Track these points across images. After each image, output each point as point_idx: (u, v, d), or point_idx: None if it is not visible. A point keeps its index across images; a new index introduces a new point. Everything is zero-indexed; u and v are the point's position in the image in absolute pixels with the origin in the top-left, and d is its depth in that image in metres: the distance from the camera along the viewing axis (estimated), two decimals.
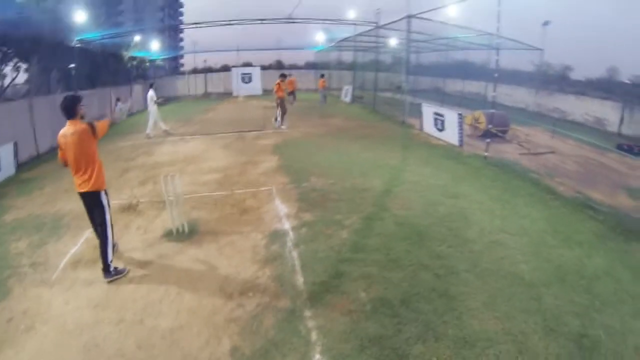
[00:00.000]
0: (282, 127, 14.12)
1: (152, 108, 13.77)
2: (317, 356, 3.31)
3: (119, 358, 3.48)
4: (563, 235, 5.78)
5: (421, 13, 13.45)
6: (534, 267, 4.77)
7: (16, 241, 5.89)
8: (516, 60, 21.20)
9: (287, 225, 5.97)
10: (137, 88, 23.91)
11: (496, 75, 10.71)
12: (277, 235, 5.67)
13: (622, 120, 22.60)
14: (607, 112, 23.11)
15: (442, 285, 4.24)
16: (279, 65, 36.35)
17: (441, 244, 5.21)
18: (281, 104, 14.36)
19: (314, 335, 3.55)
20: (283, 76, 14.88)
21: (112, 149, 12.01)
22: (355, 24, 21.34)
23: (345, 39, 24.11)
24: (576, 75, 26.60)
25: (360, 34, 21.37)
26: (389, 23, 16.78)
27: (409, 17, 13.68)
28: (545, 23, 21.57)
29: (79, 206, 5.31)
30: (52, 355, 3.55)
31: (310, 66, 35.99)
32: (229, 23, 19.93)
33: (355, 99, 23.74)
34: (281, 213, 6.46)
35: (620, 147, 16.92)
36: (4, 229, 6.41)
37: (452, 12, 14.35)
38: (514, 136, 12.66)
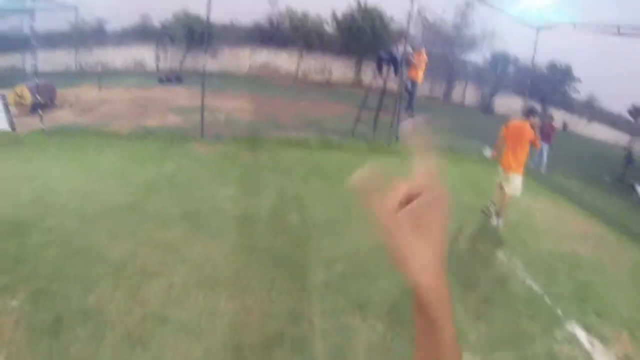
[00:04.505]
0: None
1: None
2: None
3: None
4: (140, 158, 7.85)
5: None
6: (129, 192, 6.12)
7: None
8: (50, 22, 20.10)
9: None
10: None
11: (34, 43, 10.41)
12: None
13: (158, 58, 26.57)
14: (144, 55, 26.70)
15: (67, 249, 4.77)
16: None
17: (47, 219, 5.46)
18: None
19: None
20: None
21: None
22: None
23: None
24: (113, 26, 27.76)
25: None
26: None
27: None
28: None
29: None
30: None
31: None
32: None
33: None
34: None
35: (160, 81, 20.39)
36: None
37: None
38: (64, 100, 13.02)
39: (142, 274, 4.34)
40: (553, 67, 29.44)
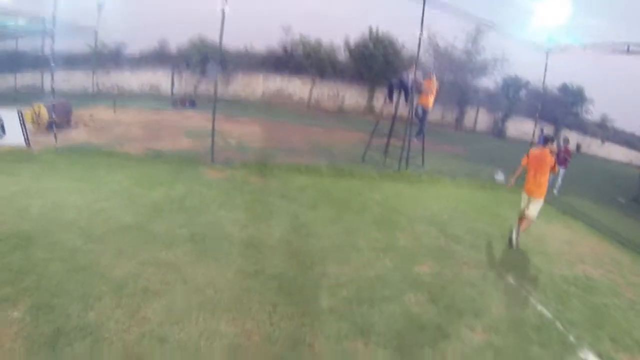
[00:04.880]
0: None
1: None
2: None
3: None
4: (150, 180, 8.09)
5: None
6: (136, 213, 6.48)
7: None
8: (71, 44, 20.97)
9: None
10: None
11: (53, 64, 10.88)
12: None
13: (173, 83, 27.40)
14: (160, 79, 27.61)
15: (70, 265, 4.87)
16: None
17: (53, 235, 5.62)
18: None
19: None
20: None
21: None
22: None
23: None
24: (131, 50, 28.86)
25: None
26: None
27: None
28: (100, 5, 21.94)
29: None
30: None
31: None
32: None
33: None
34: None
35: (174, 105, 20.96)
36: None
37: None
38: (79, 120, 13.43)
39: (143, 293, 4.40)
40: (565, 89, 29.81)
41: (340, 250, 6.09)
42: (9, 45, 23.13)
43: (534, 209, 7.05)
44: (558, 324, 4.82)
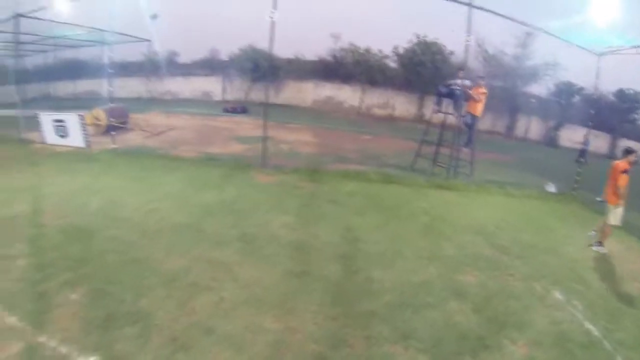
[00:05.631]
0: None
1: None
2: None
3: None
4: (202, 182, 8.36)
5: (34, 11, 12.41)
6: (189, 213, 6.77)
7: None
8: (126, 53, 22.46)
9: None
10: None
11: (112, 71, 11.72)
12: None
13: (224, 90, 28.51)
14: (211, 86, 28.87)
15: (125, 257, 5.24)
16: None
17: (110, 229, 6.08)
18: None
19: (63, 349, 3.62)
20: None
21: None
22: None
23: None
24: (183, 59, 30.49)
25: None
26: None
27: (19, 16, 12.38)
28: (154, 17, 23.35)
29: None
30: None
31: None
32: None
33: None
34: None
35: (225, 110, 21.77)
36: None
37: (62, 8, 13.76)
38: (135, 124, 14.21)
39: (193, 287, 4.62)
40: (621, 94, 27.91)
41: (386, 256, 6.05)
42: (70, 54, 25.27)
43: (618, 218, 7.35)
44: (606, 343, 4.49)
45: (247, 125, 15.96)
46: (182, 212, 6.96)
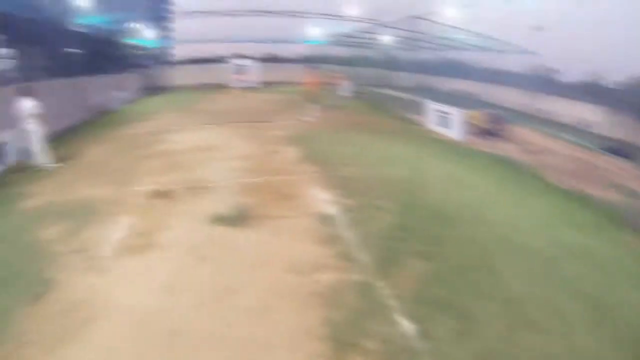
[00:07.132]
0: None
1: (31, 128, 9.26)
2: (404, 321, 4.10)
3: (211, 339, 3.79)
4: (568, 219, 7.43)
5: (428, 14, 14.93)
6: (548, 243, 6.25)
7: (45, 229, 6.08)
8: (505, 62, 23.23)
9: (332, 209, 7.01)
10: (132, 76, 24.74)
11: (498, 76, 12.44)
12: (326, 219, 6.61)
13: (608, 123, 25.58)
14: (593, 116, 26.23)
15: (483, 259, 5.51)
16: (273, 58, 37.51)
17: (469, 225, 6.54)
18: None
19: (391, 302, 4.40)
20: None
21: (118, 136, 13.11)
22: (359, 20, 22.91)
23: (346, 35, 25.56)
24: (562, 78, 29.14)
25: (362, 31, 22.82)
26: (395, 21, 18.15)
27: (416, 17, 15.12)
28: (539, 28, 23.55)
29: (99, 192, 7.23)
30: (128, 347, 3.70)
31: (306, 60, 37.17)
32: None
33: (355, 94, 24.90)
34: (323, 198, 7.53)
35: (606, 149, 19.36)
36: (27, 217, 6.59)
37: (451, 13, 15.90)
38: (510, 135, 14.44)
39: None
40: None
41: None
42: (452, 54, 27.90)
43: None
44: None
45: (629, 175, 13.91)
46: (540, 240, 6.27)
